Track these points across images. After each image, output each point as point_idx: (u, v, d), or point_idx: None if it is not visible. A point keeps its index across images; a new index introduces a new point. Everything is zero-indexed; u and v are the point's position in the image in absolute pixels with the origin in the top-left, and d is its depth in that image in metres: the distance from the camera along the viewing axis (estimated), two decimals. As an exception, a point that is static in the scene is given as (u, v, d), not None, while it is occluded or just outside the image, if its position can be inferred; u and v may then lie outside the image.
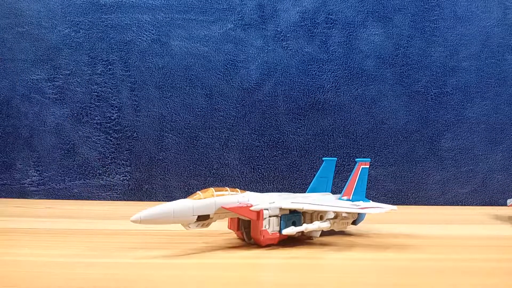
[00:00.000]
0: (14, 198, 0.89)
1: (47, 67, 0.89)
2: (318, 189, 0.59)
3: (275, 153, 0.90)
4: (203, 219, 0.47)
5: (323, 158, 0.61)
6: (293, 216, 0.51)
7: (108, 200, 0.89)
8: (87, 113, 0.89)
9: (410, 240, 0.55)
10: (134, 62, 0.90)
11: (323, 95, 0.91)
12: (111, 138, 0.89)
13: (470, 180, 0.91)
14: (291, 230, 0.48)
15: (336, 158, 0.62)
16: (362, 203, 0.56)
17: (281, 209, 0.50)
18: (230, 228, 0.53)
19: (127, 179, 0.89)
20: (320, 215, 0.53)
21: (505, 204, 0.79)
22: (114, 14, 0.89)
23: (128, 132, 0.90)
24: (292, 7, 0.91)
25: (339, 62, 0.91)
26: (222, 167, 0.90)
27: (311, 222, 0.52)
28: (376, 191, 0.91)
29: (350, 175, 0.59)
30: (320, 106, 0.91)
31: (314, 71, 0.91)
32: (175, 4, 0.90)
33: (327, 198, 0.58)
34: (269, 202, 0.49)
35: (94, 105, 0.89)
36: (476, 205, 0.91)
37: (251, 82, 0.90)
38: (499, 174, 0.91)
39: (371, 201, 0.58)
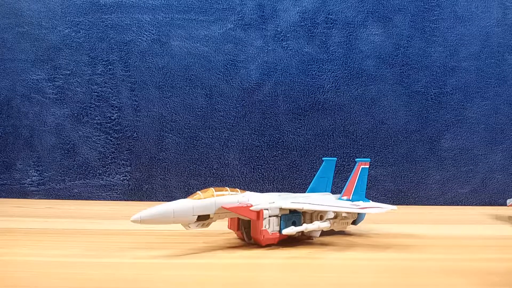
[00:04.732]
0: (14, 198, 0.89)
1: (47, 67, 0.89)
2: (318, 189, 0.59)
3: (275, 153, 0.90)
4: (203, 219, 0.47)
5: (323, 158, 0.61)
6: (293, 216, 0.51)
7: (108, 200, 0.89)
8: (87, 113, 0.89)
9: (410, 240, 0.55)
10: (134, 62, 0.90)
11: (323, 95, 0.91)
12: (111, 138, 0.89)
13: (470, 180, 0.91)
14: (291, 230, 0.48)
15: (336, 158, 0.62)
16: (362, 203, 0.56)
17: (281, 209, 0.50)
18: (230, 228, 0.53)
19: (127, 179, 0.89)
20: (320, 215, 0.53)
21: (505, 204, 0.79)
22: (114, 14, 0.90)
23: (128, 132, 0.90)
24: (292, 7, 0.91)
25: (339, 62, 0.91)
26: (222, 167, 0.90)
27: (311, 222, 0.52)
28: (376, 191, 0.91)
29: (350, 175, 0.59)
30: (320, 106, 0.91)
31: (314, 71, 0.91)
32: (175, 4, 0.90)
33: (327, 198, 0.58)
34: (269, 202, 0.49)
35: (94, 105, 0.89)
36: (476, 205, 0.91)
37: (251, 82, 0.90)
38: (499, 174, 0.91)
39: (371, 201, 0.58)
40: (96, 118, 0.89)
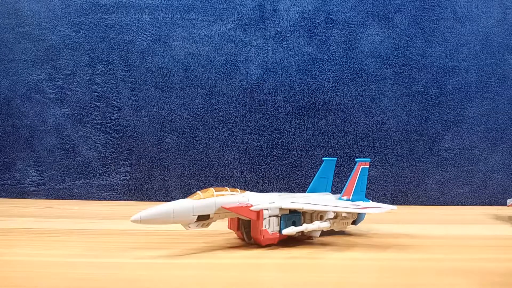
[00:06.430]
0: (14, 198, 0.89)
1: (47, 67, 0.89)
2: (318, 189, 0.59)
3: (275, 153, 0.90)
4: (203, 219, 0.47)
5: (323, 158, 0.61)
6: (293, 216, 0.51)
7: (108, 200, 0.89)
8: (87, 113, 0.90)
9: (410, 240, 0.55)
10: (134, 62, 0.90)
11: (323, 95, 0.91)
12: (111, 138, 0.89)
13: (470, 180, 0.91)
14: (291, 230, 0.48)
15: (336, 158, 0.62)
16: (362, 203, 0.56)
17: (281, 209, 0.50)
18: (230, 228, 0.53)
19: (127, 179, 0.89)
20: (320, 215, 0.53)
21: (505, 204, 0.79)
22: (114, 14, 0.90)
23: (128, 132, 0.90)
24: (292, 7, 0.91)
25: (339, 62, 0.91)
26: (222, 167, 0.90)
27: (311, 222, 0.52)
28: (376, 191, 0.91)
29: (350, 175, 0.59)
30: (320, 106, 0.91)
31: (314, 71, 0.91)
32: (175, 4, 0.90)
33: (327, 198, 0.58)
34: (269, 202, 0.49)
35: (94, 105, 0.89)
36: (476, 205, 0.91)
37: (251, 82, 0.90)
38: (499, 174, 0.91)
39: (371, 201, 0.58)
40: (96, 118, 0.89)
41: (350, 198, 0.57)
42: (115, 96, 0.90)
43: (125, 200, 0.89)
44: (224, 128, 0.90)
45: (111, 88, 0.90)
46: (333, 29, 0.91)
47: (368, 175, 0.61)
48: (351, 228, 0.59)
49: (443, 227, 0.66)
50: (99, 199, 0.89)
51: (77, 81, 0.89)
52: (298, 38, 0.91)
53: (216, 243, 0.51)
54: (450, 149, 0.91)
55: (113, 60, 0.90)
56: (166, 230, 0.56)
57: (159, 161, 0.89)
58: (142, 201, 0.89)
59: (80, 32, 0.89)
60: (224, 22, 0.90)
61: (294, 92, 0.90)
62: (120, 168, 0.89)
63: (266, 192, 0.63)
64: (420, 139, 0.91)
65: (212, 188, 0.49)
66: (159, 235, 0.55)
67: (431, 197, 0.91)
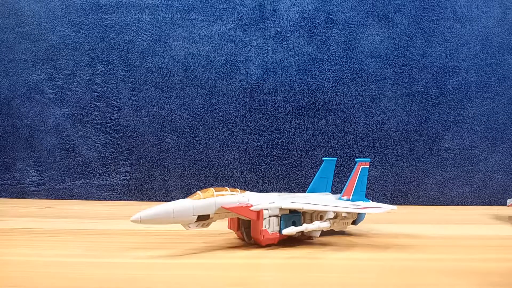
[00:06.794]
0: (14, 198, 0.89)
1: (47, 67, 0.89)
2: (318, 189, 0.59)
3: (275, 153, 0.90)
4: (203, 219, 0.47)
5: (323, 158, 0.61)
6: (293, 216, 0.51)
7: (108, 200, 0.89)
8: (87, 113, 0.90)
9: (410, 240, 0.55)
10: (134, 62, 0.90)
11: (323, 95, 0.91)
12: (111, 138, 0.89)
13: (470, 180, 0.91)
14: (291, 230, 0.48)
15: (336, 158, 0.62)
16: (362, 203, 0.56)
17: (281, 209, 0.50)
18: (230, 228, 0.53)
19: (127, 179, 0.89)
20: (320, 215, 0.53)
21: (505, 204, 0.79)
22: (114, 14, 0.90)
23: (128, 132, 0.90)
24: (292, 7, 0.91)
25: (339, 62, 0.91)
26: (222, 167, 0.90)
27: (311, 222, 0.52)
28: (376, 191, 0.91)
29: (350, 175, 0.59)
30: (320, 106, 0.91)
31: (314, 71, 0.91)
32: (175, 4, 0.90)
33: (327, 198, 0.58)
34: (269, 202, 0.49)
35: (94, 105, 0.90)
36: (476, 205, 0.91)
37: (251, 82, 0.90)
38: (499, 174, 0.91)
39: (371, 201, 0.58)
40: (96, 118, 0.89)
41: (350, 198, 0.58)
42: (115, 96, 0.90)
43: (125, 200, 0.89)
44: (224, 128, 0.90)
45: (111, 88, 0.90)
46: (333, 29, 0.91)
47: (368, 175, 0.61)
48: (351, 228, 0.59)
49: (443, 227, 0.66)
50: (99, 199, 0.89)
51: (77, 81, 0.89)
52: (298, 38, 0.91)
53: (216, 243, 0.51)
54: (450, 149, 0.91)
55: (113, 60, 0.90)
56: (166, 230, 0.56)
57: (159, 161, 0.89)
58: (142, 201, 0.89)
59: (80, 32, 0.89)
60: (224, 22, 0.90)
61: (294, 92, 0.90)
62: (120, 168, 0.89)
63: (266, 192, 0.63)
64: (420, 139, 0.91)
65: (212, 188, 0.49)
66: (158, 235, 0.55)
67: (431, 197, 0.91)
